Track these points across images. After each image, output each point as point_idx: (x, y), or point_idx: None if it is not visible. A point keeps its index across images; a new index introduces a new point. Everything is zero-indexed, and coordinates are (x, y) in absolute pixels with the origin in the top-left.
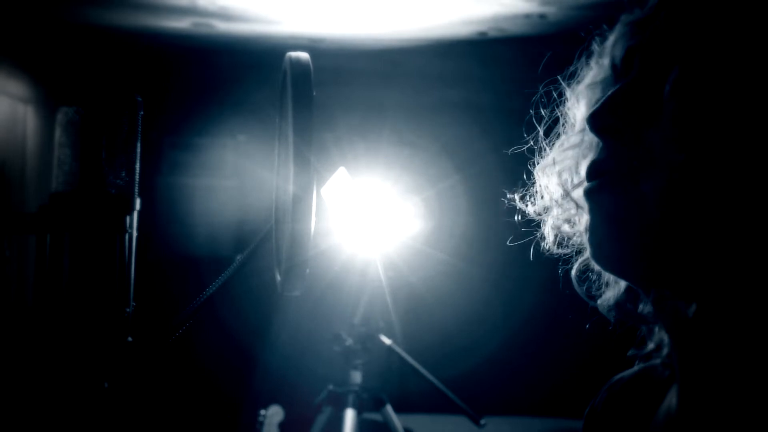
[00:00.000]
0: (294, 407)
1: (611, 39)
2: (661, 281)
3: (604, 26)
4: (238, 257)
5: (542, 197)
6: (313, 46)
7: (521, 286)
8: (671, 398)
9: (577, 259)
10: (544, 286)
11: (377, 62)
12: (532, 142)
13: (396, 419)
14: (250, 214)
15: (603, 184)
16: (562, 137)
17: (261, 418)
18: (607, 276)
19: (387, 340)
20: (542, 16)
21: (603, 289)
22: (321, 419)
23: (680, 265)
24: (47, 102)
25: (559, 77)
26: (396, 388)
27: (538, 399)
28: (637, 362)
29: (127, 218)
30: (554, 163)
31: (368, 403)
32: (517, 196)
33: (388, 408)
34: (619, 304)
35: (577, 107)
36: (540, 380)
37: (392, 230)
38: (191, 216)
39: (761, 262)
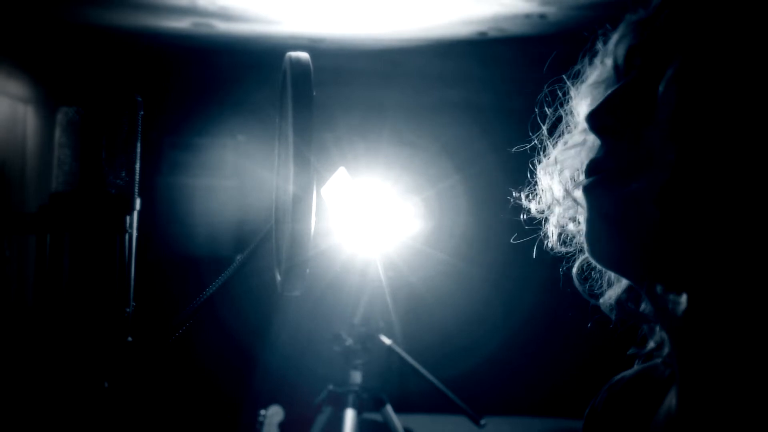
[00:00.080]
0: (294, 407)
1: (614, 38)
2: (656, 278)
3: (608, 26)
4: (238, 257)
5: (545, 196)
6: (313, 46)
7: (521, 286)
8: (671, 398)
9: (578, 258)
10: (544, 286)
11: (377, 62)
12: (536, 141)
13: (396, 419)
14: (250, 214)
15: (599, 181)
16: (566, 136)
17: (261, 418)
18: (609, 275)
19: (387, 340)
20: (542, 16)
21: (605, 288)
22: (321, 419)
23: (675, 264)
24: (47, 102)
25: (564, 76)
26: (396, 388)
27: (538, 399)
28: (637, 361)
29: (127, 218)
30: (556, 162)
31: (368, 403)
32: (522, 195)
33: (388, 408)
34: (620, 302)
35: (581, 106)
36: (540, 380)
37: (392, 230)
38: (191, 216)
39: (754, 260)
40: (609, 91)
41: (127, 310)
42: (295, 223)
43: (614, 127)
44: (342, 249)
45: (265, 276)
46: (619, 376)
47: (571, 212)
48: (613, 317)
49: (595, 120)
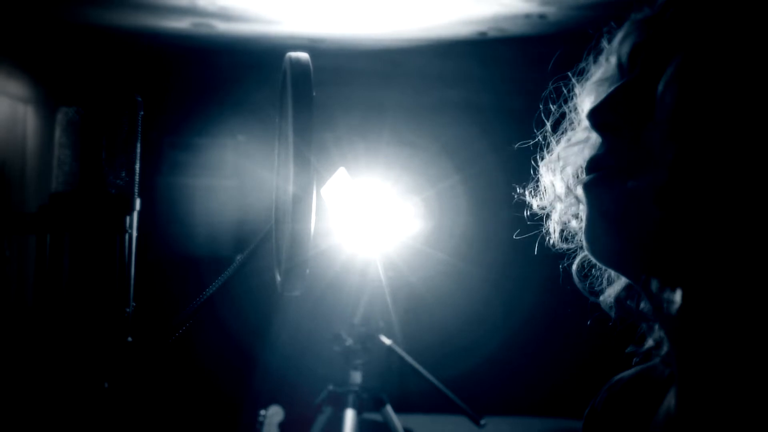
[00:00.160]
0: (294, 407)
1: (619, 37)
2: (654, 274)
3: (613, 24)
4: (238, 257)
5: (547, 193)
6: (313, 46)
7: (521, 286)
8: (671, 398)
9: (579, 255)
10: (544, 286)
11: (377, 62)
12: (540, 137)
13: (396, 419)
14: (250, 214)
15: (599, 178)
16: (569, 133)
17: (261, 418)
18: (609, 272)
19: (387, 340)
20: (542, 16)
21: (604, 286)
22: (321, 419)
23: (673, 261)
24: (47, 102)
25: (569, 73)
26: (396, 388)
27: (538, 399)
28: (635, 359)
29: (127, 218)
30: (559, 158)
31: (368, 403)
32: (526, 191)
33: (388, 408)
34: (619, 300)
35: (585, 104)
36: (540, 380)
37: (392, 230)
38: (191, 216)
39: (751, 258)
40: (612, 89)
41: (127, 310)
42: (295, 223)
43: (615, 125)
44: (342, 249)
45: (265, 276)
46: (618, 377)
47: (573, 209)
48: (612, 315)
49: (596, 117)
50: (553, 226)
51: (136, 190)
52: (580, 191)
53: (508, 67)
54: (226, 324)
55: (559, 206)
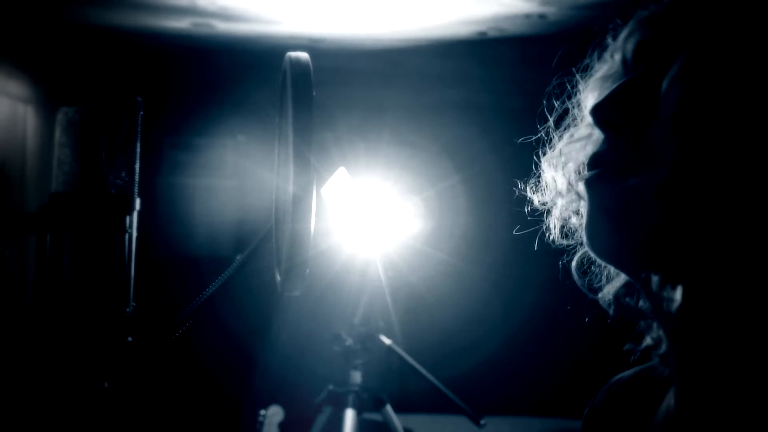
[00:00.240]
0: (294, 407)
1: (624, 34)
2: (654, 271)
3: (618, 21)
4: (238, 257)
5: (548, 189)
6: (313, 46)
7: (521, 286)
8: (670, 398)
9: (579, 251)
10: (544, 286)
11: (377, 62)
12: (542, 133)
13: (396, 419)
14: (250, 214)
15: (600, 174)
16: (572, 129)
17: (261, 418)
18: (609, 269)
19: (387, 340)
20: (542, 16)
21: (603, 282)
22: (321, 419)
23: (673, 258)
24: (47, 102)
25: (573, 69)
26: (396, 388)
27: (538, 399)
28: (633, 358)
29: (127, 218)
30: (561, 154)
31: (368, 403)
32: (527, 187)
33: (388, 408)
34: (618, 297)
35: (588, 100)
36: (540, 380)
37: (392, 230)
38: (191, 216)
39: (753, 256)
40: (615, 86)
41: (127, 310)
42: (295, 223)
43: (618, 122)
44: (342, 249)
45: (265, 276)
46: (617, 377)
47: (574, 205)
48: (610, 312)
49: (599, 113)
50: (554, 222)
51: (136, 190)
52: (581, 187)
53: (508, 67)
54: (226, 324)
55: (560, 202)
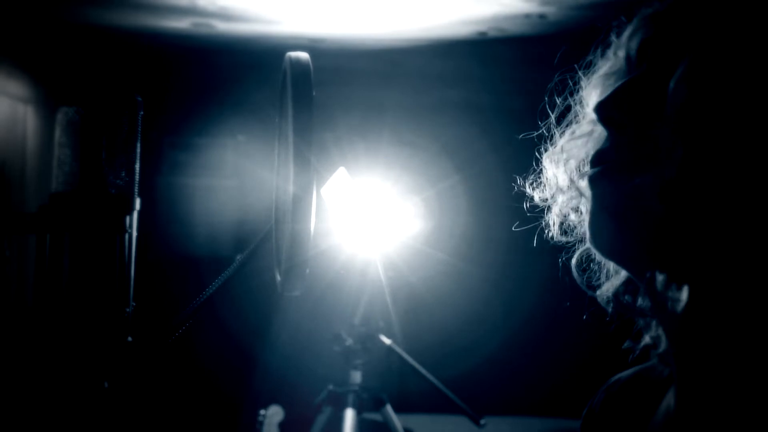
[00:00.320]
0: (294, 407)
1: (628, 31)
2: (659, 270)
3: (623, 18)
4: (238, 257)
5: (549, 185)
6: (313, 46)
7: (521, 286)
8: (670, 398)
9: (578, 248)
10: (544, 286)
11: (377, 62)
12: (543, 130)
13: (396, 419)
14: (250, 214)
15: (604, 171)
16: (573, 126)
17: (261, 418)
18: (608, 267)
19: (387, 340)
20: (542, 16)
21: (602, 280)
22: (321, 419)
23: (679, 257)
24: (47, 102)
25: (575, 66)
26: (396, 388)
27: (538, 399)
28: (632, 356)
29: (127, 218)
30: (563, 151)
31: (368, 403)
32: (527, 184)
33: (388, 408)
34: (617, 295)
35: (591, 97)
36: (540, 380)
37: (392, 230)
38: (191, 216)
39: (759, 256)
40: (619, 83)
41: (127, 310)
42: (295, 223)
43: (622, 120)
44: (342, 249)
45: (265, 276)
46: (616, 377)
47: (574, 202)
48: (609, 310)
49: (603, 111)
50: (553, 219)
51: (136, 190)
52: (582, 184)
53: (508, 67)
54: (226, 324)
55: (560, 198)
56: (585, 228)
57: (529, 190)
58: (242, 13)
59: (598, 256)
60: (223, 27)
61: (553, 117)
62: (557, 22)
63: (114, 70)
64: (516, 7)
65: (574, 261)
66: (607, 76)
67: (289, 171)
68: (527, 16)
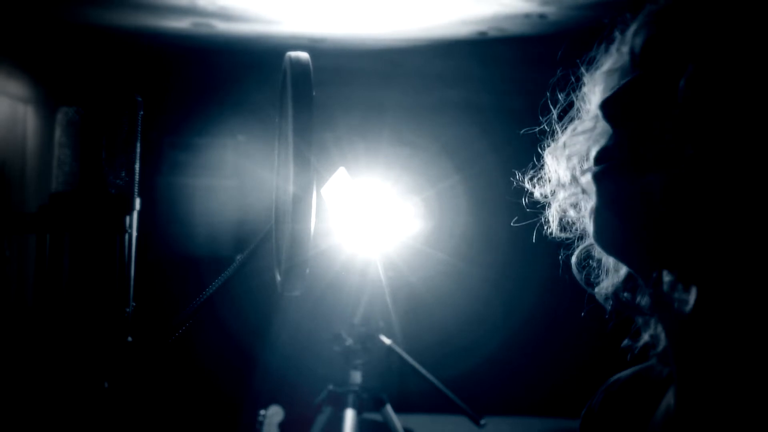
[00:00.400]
0: (294, 407)
1: (633, 28)
2: (667, 268)
3: (628, 15)
4: (238, 257)
5: (550, 180)
6: (313, 46)
7: (521, 286)
8: (669, 398)
9: (578, 245)
10: (544, 286)
11: (377, 62)
12: (545, 126)
13: (396, 419)
14: (250, 214)
15: (609, 169)
16: (575, 122)
17: (261, 418)
18: (607, 264)
19: (387, 340)
20: (542, 16)
21: (602, 277)
22: (321, 419)
23: (682, 256)
24: (47, 102)
25: (578, 61)
26: (396, 388)
27: (538, 399)
28: (630, 355)
29: (127, 218)
30: (565, 146)
31: (368, 403)
32: (527, 179)
33: (388, 408)
34: (616, 293)
35: (593, 93)
36: (540, 380)
37: (392, 230)
38: (191, 216)
39: (763, 259)
40: (623, 80)
41: (127, 310)
42: (295, 223)
43: (627, 117)
44: (342, 249)
45: (265, 276)
46: (615, 377)
47: (574, 198)
48: (608, 307)
49: (608, 108)
50: (553, 215)
51: (136, 190)
52: (584, 180)
53: (508, 67)
54: (226, 324)
55: (561, 194)
56: (585, 224)
57: (529, 186)
58: (242, 13)
59: (597, 254)
60: (223, 27)
61: (554, 113)
62: (557, 22)
63: (114, 70)
64: (516, 7)
65: (573, 258)
66: (610, 72)
67: (289, 171)
68: (527, 16)
